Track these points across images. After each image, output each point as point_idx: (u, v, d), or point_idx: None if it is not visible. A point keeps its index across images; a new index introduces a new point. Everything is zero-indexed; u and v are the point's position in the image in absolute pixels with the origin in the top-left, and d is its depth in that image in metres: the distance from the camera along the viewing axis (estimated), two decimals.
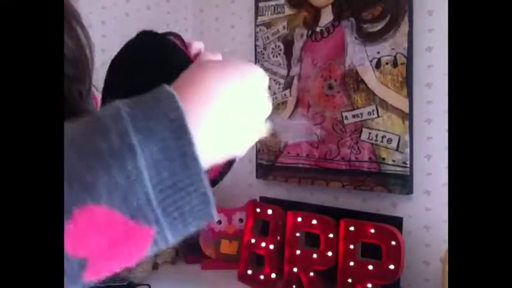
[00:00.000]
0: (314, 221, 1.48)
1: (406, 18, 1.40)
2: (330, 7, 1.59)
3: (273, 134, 1.73)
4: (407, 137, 1.40)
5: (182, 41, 0.54)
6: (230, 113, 0.32)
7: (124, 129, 0.26)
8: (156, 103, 0.28)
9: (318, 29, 1.62)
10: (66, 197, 0.26)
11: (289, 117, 1.70)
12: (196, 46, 0.53)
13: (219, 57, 0.51)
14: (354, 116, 1.53)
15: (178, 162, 0.27)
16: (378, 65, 1.46)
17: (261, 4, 1.80)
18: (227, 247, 1.78)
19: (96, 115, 0.29)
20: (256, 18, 1.83)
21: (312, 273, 1.47)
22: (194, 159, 0.27)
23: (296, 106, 1.69)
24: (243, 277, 1.63)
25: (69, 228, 0.26)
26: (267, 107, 0.37)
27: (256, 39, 1.83)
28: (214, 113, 0.31)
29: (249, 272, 1.63)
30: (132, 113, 0.27)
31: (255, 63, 1.83)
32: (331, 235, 1.43)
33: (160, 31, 0.56)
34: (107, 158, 0.26)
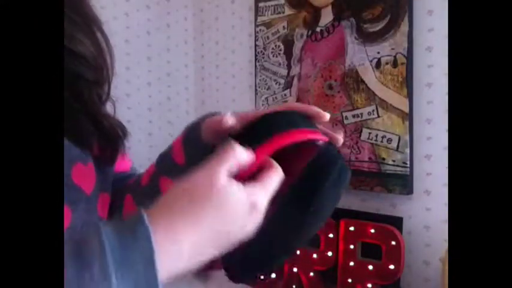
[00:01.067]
0: None
1: (406, 18, 1.40)
2: (330, 7, 1.59)
3: None
4: (407, 137, 1.40)
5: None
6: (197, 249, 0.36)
7: (105, 265, 0.32)
8: (135, 241, 0.33)
9: (318, 29, 1.62)
10: None
11: None
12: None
13: None
14: (354, 116, 1.53)
15: None
16: (378, 65, 1.46)
17: (261, 4, 1.80)
18: None
19: (85, 243, 0.33)
20: (256, 18, 1.83)
21: (312, 273, 1.47)
22: None
23: None
24: None
25: None
26: (249, 220, 0.38)
27: (256, 39, 1.83)
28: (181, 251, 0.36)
29: None
30: (113, 249, 0.32)
31: (255, 63, 1.83)
32: (331, 235, 1.43)
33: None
34: (88, 285, 0.31)
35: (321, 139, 0.46)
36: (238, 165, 0.38)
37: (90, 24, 0.49)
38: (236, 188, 0.37)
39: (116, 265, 0.32)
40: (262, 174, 0.39)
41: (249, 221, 0.37)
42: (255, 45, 1.83)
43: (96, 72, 0.49)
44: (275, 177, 0.39)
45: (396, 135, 1.42)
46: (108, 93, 0.52)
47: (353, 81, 1.52)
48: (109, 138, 0.51)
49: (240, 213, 0.36)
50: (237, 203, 0.36)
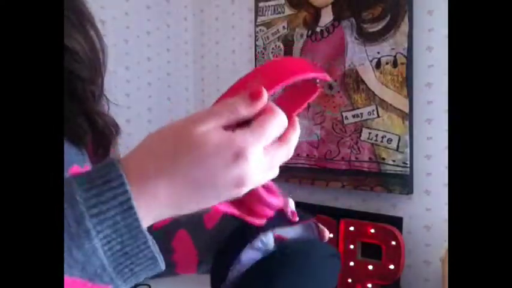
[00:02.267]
0: None
1: (406, 18, 1.40)
2: (330, 7, 1.59)
3: None
4: (407, 137, 1.40)
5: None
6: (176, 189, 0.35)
7: (80, 215, 0.31)
8: (108, 186, 0.33)
9: (318, 29, 1.62)
10: None
11: None
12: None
13: None
14: (354, 116, 1.53)
15: (127, 236, 0.33)
16: (378, 65, 1.46)
17: (261, 4, 1.80)
18: None
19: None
20: (256, 18, 1.83)
21: None
22: (140, 232, 0.33)
23: None
24: None
25: None
26: (231, 173, 0.35)
27: (256, 39, 1.83)
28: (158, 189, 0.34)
29: None
30: (86, 197, 0.32)
31: (255, 63, 1.83)
32: (331, 235, 1.43)
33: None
34: (67, 240, 0.31)
35: (322, 77, 0.41)
36: (234, 119, 0.35)
37: (83, 20, 0.49)
38: (217, 134, 0.34)
39: (89, 212, 0.32)
40: (256, 119, 0.35)
41: (232, 171, 0.34)
42: (255, 45, 1.83)
43: (89, 69, 0.49)
44: (271, 121, 0.35)
45: (396, 135, 1.42)
46: (101, 90, 0.52)
47: (353, 81, 1.52)
48: (102, 136, 0.51)
49: (220, 161, 0.34)
50: (216, 149, 0.34)
